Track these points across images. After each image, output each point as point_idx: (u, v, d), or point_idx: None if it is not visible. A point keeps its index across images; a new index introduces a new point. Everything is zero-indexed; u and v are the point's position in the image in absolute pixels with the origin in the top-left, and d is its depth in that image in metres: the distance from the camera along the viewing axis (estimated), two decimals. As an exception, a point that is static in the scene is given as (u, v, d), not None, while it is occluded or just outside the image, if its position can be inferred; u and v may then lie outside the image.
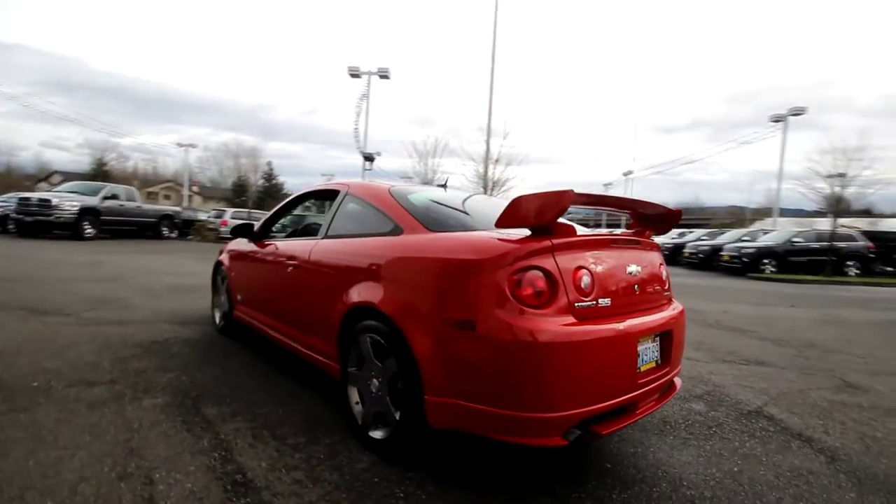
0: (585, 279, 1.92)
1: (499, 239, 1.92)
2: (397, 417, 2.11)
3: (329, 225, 2.91)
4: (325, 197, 3.60)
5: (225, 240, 21.41)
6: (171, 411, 2.57)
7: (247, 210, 20.60)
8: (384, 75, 18.28)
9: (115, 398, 2.70)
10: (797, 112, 18.74)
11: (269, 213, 3.87)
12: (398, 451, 2.14)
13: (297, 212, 4.48)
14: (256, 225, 3.83)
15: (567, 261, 1.90)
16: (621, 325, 1.94)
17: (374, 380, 2.26)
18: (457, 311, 1.88)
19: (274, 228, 3.90)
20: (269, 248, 3.47)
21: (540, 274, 1.83)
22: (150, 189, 48.70)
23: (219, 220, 21.27)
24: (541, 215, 1.85)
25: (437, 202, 2.56)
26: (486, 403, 1.82)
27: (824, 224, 16.15)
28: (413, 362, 2.01)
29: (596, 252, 2.04)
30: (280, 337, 3.19)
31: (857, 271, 14.62)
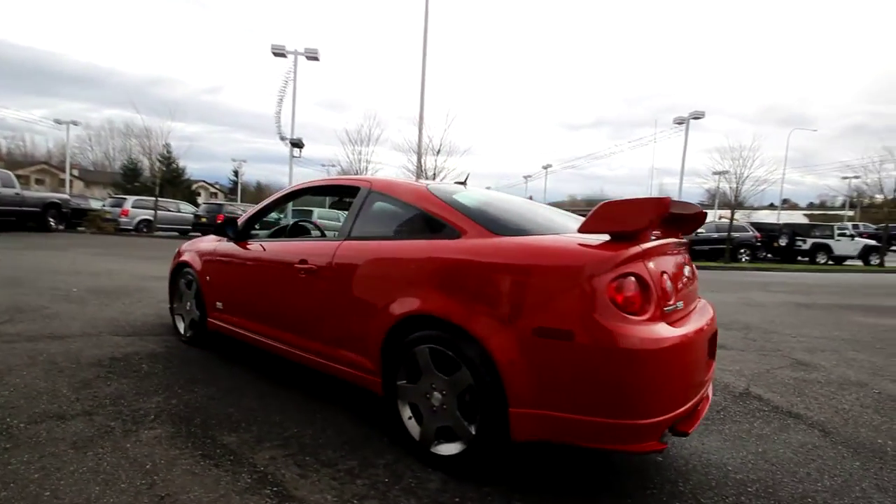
0: (668, 284, 1.96)
1: (593, 245, 1.88)
2: (473, 432, 1.99)
3: (352, 225, 2.66)
4: (331, 193, 3.29)
5: (125, 231, 19.10)
6: (182, 443, 2.21)
7: (154, 199, 18.42)
8: (312, 56, 17.14)
9: (103, 433, 2.25)
10: (697, 115, 21.09)
11: (253, 210, 3.46)
12: (472, 467, 2.04)
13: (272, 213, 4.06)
14: (238, 222, 3.41)
15: (653, 266, 1.91)
16: (698, 326, 2.01)
17: (436, 393, 2.12)
18: (551, 320, 1.81)
19: (257, 227, 3.50)
20: (264, 250, 3.10)
21: (635, 280, 1.82)
22: (19, 172, 41.64)
23: (118, 210, 18.86)
24: (635, 222, 1.84)
25: (485, 203, 2.45)
26: (583, 413, 1.79)
27: (724, 216, 18.30)
28: (495, 374, 1.91)
29: (665, 256, 2.08)
30: (286, 348, 2.88)
31: (748, 258, 16.85)
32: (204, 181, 64.17)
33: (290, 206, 17.40)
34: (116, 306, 4.99)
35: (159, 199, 19.05)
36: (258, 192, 72.50)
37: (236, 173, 61.21)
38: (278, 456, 2.15)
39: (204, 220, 18.23)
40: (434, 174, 14.09)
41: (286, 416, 2.57)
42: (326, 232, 4.09)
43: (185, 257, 3.86)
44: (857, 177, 37.47)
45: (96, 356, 3.34)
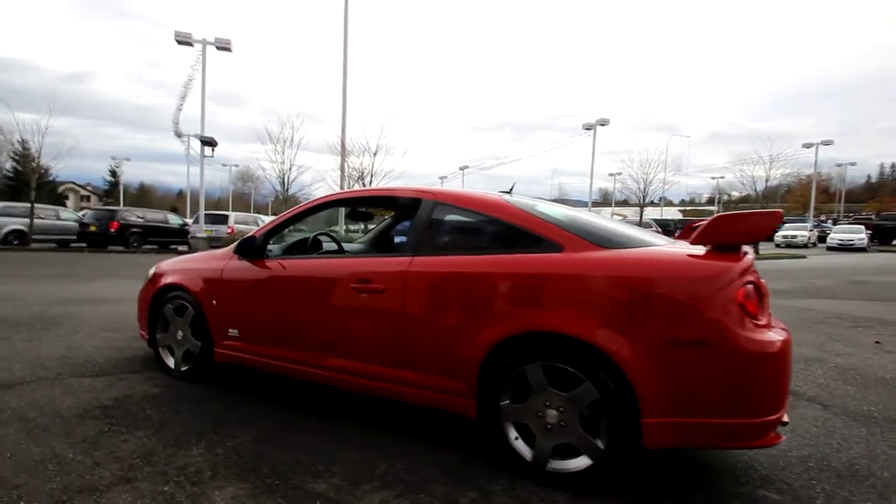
0: (767, 290, 2.13)
1: (711, 256, 1.98)
2: (601, 445, 1.99)
3: (419, 240, 2.50)
4: (377, 205, 3.04)
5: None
6: (270, 499, 1.91)
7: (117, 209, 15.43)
8: (224, 47, 15.51)
9: (165, 502, 1.87)
10: (603, 122, 23.08)
11: (273, 222, 3.08)
12: (598, 481, 2.03)
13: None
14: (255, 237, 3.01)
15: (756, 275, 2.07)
16: (782, 327, 2.21)
17: (551, 410, 2.09)
18: (685, 330, 1.88)
19: (274, 243, 3.13)
20: (300, 269, 2.79)
21: (754, 288, 1.95)
22: None
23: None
24: (751, 234, 1.97)
25: (569, 216, 2.44)
26: (717, 416, 1.88)
27: (617, 214, 20.23)
28: (626, 387, 1.93)
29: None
30: (338, 376, 2.62)
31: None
32: (73, 182, 55.68)
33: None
34: (53, 340, 4.15)
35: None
36: (141, 193, 64.66)
37: (114, 173, 53.96)
38: (389, 498, 1.96)
39: (93, 228, 15.78)
40: (371, 175, 13.66)
41: (360, 451, 2.34)
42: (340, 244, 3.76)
43: (172, 279, 3.32)
44: (721, 177, 43.61)
45: (78, 405, 2.75)
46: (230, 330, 3.03)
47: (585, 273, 2.08)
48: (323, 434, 2.52)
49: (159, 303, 3.38)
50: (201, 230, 16.11)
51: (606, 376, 1.96)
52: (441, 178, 41.57)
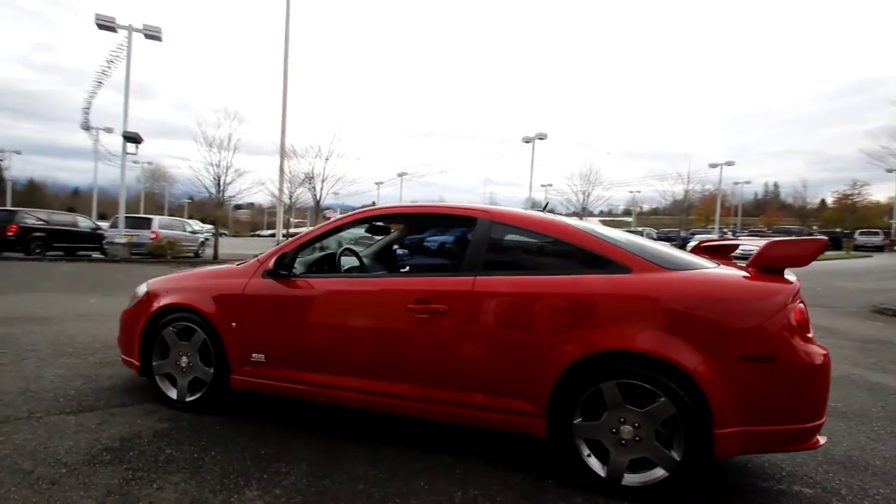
0: None
1: (768, 278, 2.18)
2: (677, 457, 2.10)
3: (477, 259, 2.47)
4: (425, 222, 2.92)
5: None
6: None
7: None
8: (153, 35, 13.98)
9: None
10: (541, 136, 24.20)
11: (304, 236, 2.87)
12: (668, 492, 2.13)
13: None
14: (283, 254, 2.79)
15: (796, 294, 2.30)
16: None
17: (626, 426, 2.16)
18: (756, 346, 2.05)
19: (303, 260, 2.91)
20: (345, 287, 2.64)
21: (804, 306, 2.18)
22: None
23: None
24: (800, 259, 2.20)
25: (626, 238, 2.55)
26: (778, 423, 2.07)
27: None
28: (702, 401, 2.06)
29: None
30: (388, 401, 2.52)
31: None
32: (-62, 177, 47.66)
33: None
34: (8, 372, 3.53)
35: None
36: (30, 191, 56.84)
37: (-3, 168, 47.00)
38: (485, 528, 1.91)
39: (-16, 231, 13.56)
40: (322, 180, 13.09)
41: (429, 480, 2.26)
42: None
43: (174, 299, 2.98)
44: (638, 191, 47.38)
45: (78, 449, 2.37)
46: (254, 355, 2.78)
47: (660, 294, 2.19)
48: (380, 463, 2.39)
49: (155, 326, 3.01)
50: (120, 235, 14.51)
51: (683, 392, 2.07)
52: (377, 183, 41.06)
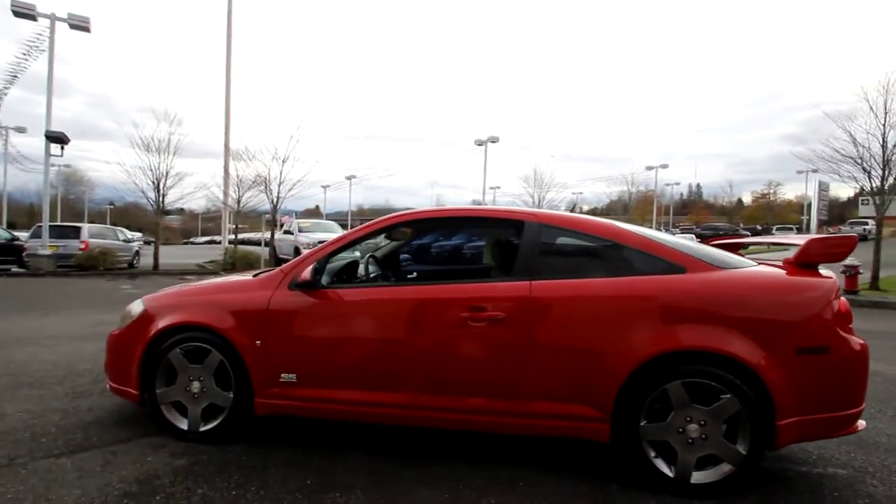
0: None
1: (812, 273, 2.29)
2: (743, 451, 2.14)
3: (531, 263, 2.41)
4: (463, 225, 2.79)
5: None
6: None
7: None
8: (80, 25, 12.46)
9: None
10: (493, 139, 24.60)
11: (334, 243, 2.65)
12: (733, 486, 2.17)
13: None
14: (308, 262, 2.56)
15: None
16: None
17: (692, 425, 2.18)
18: (810, 339, 2.15)
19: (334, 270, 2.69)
20: (388, 297, 2.48)
21: (845, 300, 2.31)
22: None
23: None
24: (838, 255, 2.33)
25: (671, 239, 2.58)
26: (830, 411, 2.18)
27: None
28: (765, 395, 2.12)
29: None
30: (447, 416, 2.39)
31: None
32: None
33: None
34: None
35: None
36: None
37: None
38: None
39: None
40: (279, 183, 12.33)
41: (495, 497, 2.16)
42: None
43: (182, 317, 2.65)
44: (580, 193, 49.48)
45: (89, 498, 2.03)
46: (283, 375, 2.53)
47: (719, 292, 2.24)
48: (439, 483, 2.25)
49: (158, 348, 2.66)
50: (44, 246, 12.99)
51: (748, 387, 2.12)
52: (324, 186, 39.81)
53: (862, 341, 2.27)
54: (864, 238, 21.16)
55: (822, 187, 24.65)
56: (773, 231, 32.32)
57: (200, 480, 2.21)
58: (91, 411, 3.03)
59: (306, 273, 2.47)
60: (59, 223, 14.58)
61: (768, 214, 40.92)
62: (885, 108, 9.51)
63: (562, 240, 2.52)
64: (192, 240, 58.89)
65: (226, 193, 16.76)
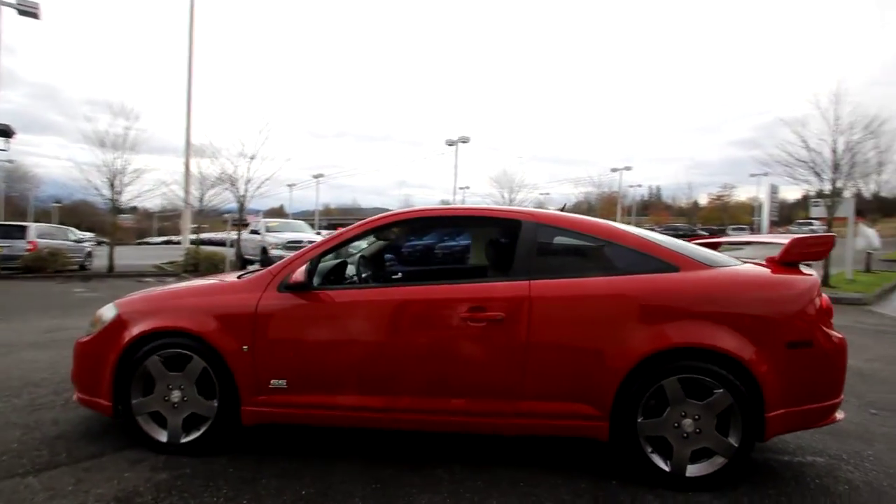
0: None
1: (793, 271, 2.38)
2: (735, 444, 2.21)
3: (529, 263, 2.40)
4: (459, 224, 2.74)
5: None
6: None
7: None
8: (28, 11, 11.45)
9: None
10: (464, 140, 24.67)
11: (326, 243, 2.55)
12: (725, 478, 2.23)
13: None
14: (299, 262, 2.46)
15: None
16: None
17: (687, 420, 2.23)
18: (797, 334, 2.24)
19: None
20: (384, 298, 2.42)
21: (826, 296, 2.41)
22: None
23: None
24: (818, 254, 2.43)
25: (665, 238, 2.62)
26: (813, 402, 2.28)
27: None
28: (756, 389, 2.19)
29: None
30: (448, 419, 2.35)
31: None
32: None
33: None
34: None
35: None
36: None
37: None
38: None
39: None
40: (247, 181, 11.82)
41: (497, 498, 2.14)
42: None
43: (160, 322, 2.49)
44: (547, 193, 50.32)
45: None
46: (273, 381, 2.42)
47: (712, 290, 2.30)
48: (440, 486, 2.21)
49: (133, 356, 2.49)
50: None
51: (740, 382, 2.19)
52: (290, 185, 38.84)
53: (840, 335, 2.38)
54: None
55: (773, 190, 26.09)
56: (728, 231, 33.90)
57: (187, 496, 2.08)
58: (56, 425, 2.81)
59: (299, 274, 2.37)
60: (3, 222, 13.53)
61: (723, 215, 42.90)
62: (835, 116, 10.13)
63: (558, 239, 2.53)
64: (147, 240, 56.21)
65: (187, 191, 16.07)
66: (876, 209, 22.13)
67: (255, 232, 15.31)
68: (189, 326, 2.47)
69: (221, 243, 16.96)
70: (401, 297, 2.45)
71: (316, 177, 38.29)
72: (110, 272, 13.54)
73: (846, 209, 10.98)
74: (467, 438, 2.68)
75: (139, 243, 49.49)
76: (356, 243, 3.05)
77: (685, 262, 2.37)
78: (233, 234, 14.47)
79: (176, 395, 2.48)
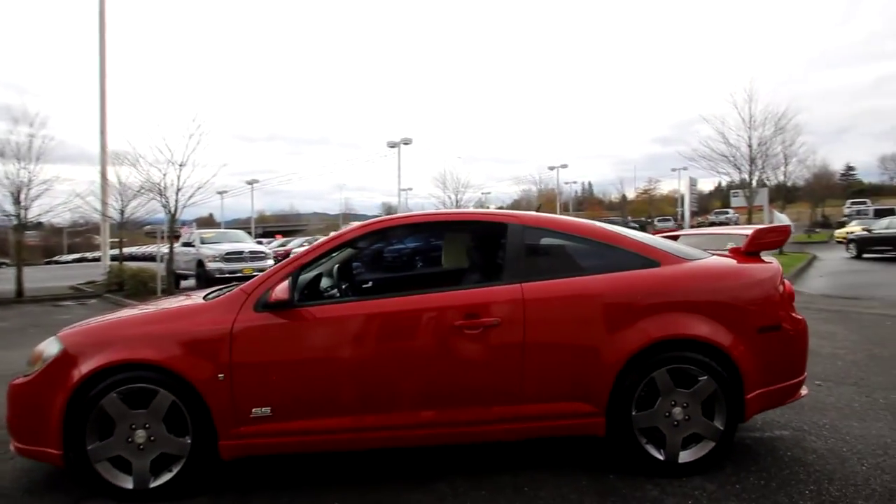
0: None
1: (758, 260, 2.55)
2: (721, 427, 2.32)
3: (516, 266, 2.39)
4: (444, 229, 2.62)
5: None
6: None
7: None
8: None
9: None
10: (406, 141, 24.46)
11: (303, 256, 2.37)
12: (714, 460, 2.35)
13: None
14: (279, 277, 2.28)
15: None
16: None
17: (676, 408, 2.32)
18: (767, 319, 2.40)
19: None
20: (374, 312, 2.29)
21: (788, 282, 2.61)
22: None
23: None
24: (778, 242, 2.62)
25: (642, 235, 2.71)
26: (784, 380, 2.45)
27: None
28: (736, 374, 2.32)
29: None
30: (448, 430, 2.29)
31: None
32: None
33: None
34: None
35: None
36: None
37: None
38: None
39: None
40: (178, 190, 10.85)
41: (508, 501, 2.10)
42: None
43: (119, 355, 2.20)
44: (489, 192, 51.20)
45: None
46: (255, 410, 2.22)
47: (692, 282, 2.41)
48: (441, 503, 2.13)
49: (86, 396, 2.19)
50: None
51: (722, 368, 2.31)
52: (220, 192, 36.63)
53: (801, 317, 2.58)
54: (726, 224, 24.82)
55: (692, 182, 28.34)
56: (655, 222, 36.38)
57: (168, 547, 1.86)
58: (-9, 481, 2.42)
59: (280, 291, 2.19)
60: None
61: (650, 208, 45.95)
62: (749, 114, 11.16)
63: (545, 241, 2.54)
64: (57, 258, 50.90)
65: (104, 202, 14.60)
66: (782, 197, 24.75)
67: (188, 244, 14.25)
68: (152, 357, 2.21)
69: (150, 258, 15.64)
70: (392, 309, 2.33)
71: (250, 182, 36.42)
72: (19, 297, 12.06)
73: (762, 198, 12.14)
74: (464, 448, 2.62)
75: (48, 262, 44.66)
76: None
77: (664, 257, 2.46)
78: (164, 248, 13.38)
79: (141, 436, 2.20)
